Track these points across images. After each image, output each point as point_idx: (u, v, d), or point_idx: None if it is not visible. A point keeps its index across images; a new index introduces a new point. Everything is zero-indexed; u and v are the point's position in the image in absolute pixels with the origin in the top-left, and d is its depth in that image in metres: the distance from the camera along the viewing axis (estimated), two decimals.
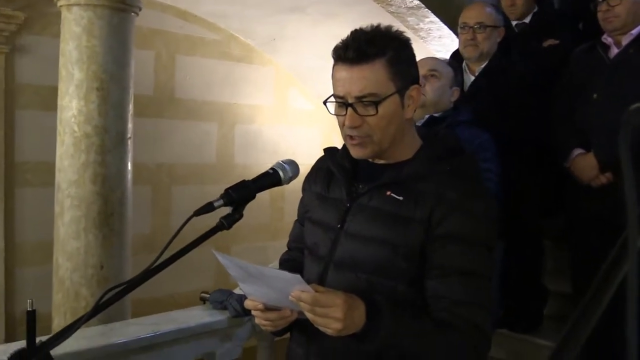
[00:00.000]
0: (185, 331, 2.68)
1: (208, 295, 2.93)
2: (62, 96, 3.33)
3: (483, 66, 2.88)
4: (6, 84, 4.65)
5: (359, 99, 1.35)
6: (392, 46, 1.36)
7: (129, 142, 3.40)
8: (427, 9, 4.27)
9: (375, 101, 1.34)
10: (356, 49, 1.34)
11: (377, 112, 1.35)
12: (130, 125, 3.41)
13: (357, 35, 1.36)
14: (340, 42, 1.38)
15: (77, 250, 3.28)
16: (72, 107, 3.26)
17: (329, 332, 1.23)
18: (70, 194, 3.27)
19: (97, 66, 3.24)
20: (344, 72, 1.36)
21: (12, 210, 4.74)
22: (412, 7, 4.32)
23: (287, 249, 1.76)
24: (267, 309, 1.34)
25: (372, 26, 1.39)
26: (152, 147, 5.31)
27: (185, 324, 2.70)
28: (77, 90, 3.24)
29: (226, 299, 2.83)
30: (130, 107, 3.42)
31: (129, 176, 3.43)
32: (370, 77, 1.34)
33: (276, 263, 1.77)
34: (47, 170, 4.41)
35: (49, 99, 4.47)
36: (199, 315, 2.82)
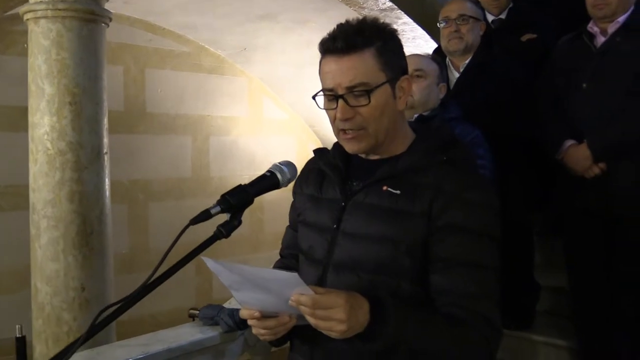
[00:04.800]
0: (176, 350, 2.58)
1: (197, 312, 2.84)
2: (32, 113, 3.19)
3: (467, 62, 2.86)
4: None
5: (350, 89, 1.31)
6: (380, 36, 1.34)
7: (106, 157, 3.28)
8: (400, 10, 4.27)
9: (367, 90, 1.31)
10: (344, 40, 1.31)
11: (369, 101, 1.31)
12: (105, 140, 3.29)
13: (345, 27, 1.34)
14: (327, 35, 1.35)
15: (57, 273, 3.13)
16: (44, 124, 3.12)
17: (333, 335, 1.17)
18: (47, 214, 3.13)
19: (69, 80, 3.11)
20: (333, 63, 1.33)
21: None
22: (384, 9, 4.30)
23: (279, 256, 1.69)
24: (264, 316, 1.26)
25: (358, 18, 1.36)
26: (125, 163, 5.18)
27: (176, 343, 2.60)
28: (48, 105, 3.11)
29: (217, 314, 2.74)
30: (105, 121, 3.31)
31: (107, 193, 3.30)
32: (360, 66, 1.31)
33: None
34: (17, 193, 4.31)
35: (15, 120, 4.37)
36: (189, 333, 2.72)
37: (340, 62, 1.32)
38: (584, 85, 2.65)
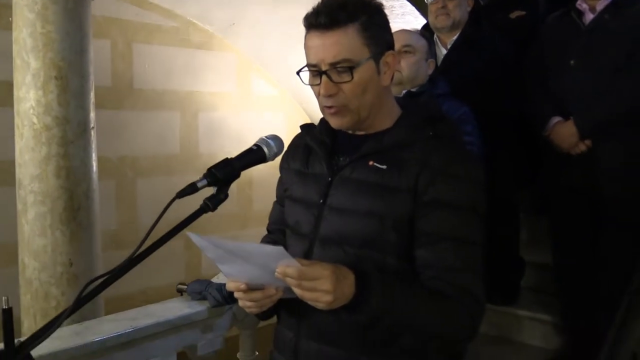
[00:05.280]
0: (164, 324, 2.58)
1: (185, 287, 2.84)
2: (18, 87, 3.15)
3: (455, 38, 2.85)
4: None
5: (333, 65, 1.31)
6: (364, 11, 1.32)
7: (92, 132, 3.25)
8: None
9: (350, 67, 1.30)
10: (328, 15, 1.30)
11: (352, 77, 1.30)
12: (92, 115, 3.26)
13: (329, 2, 1.32)
14: (312, 10, 1.33)
15: (44, 248, 3.12)
16: (30, 98, 3.08)
17: (319, 306, 1.17)
18: (33, 189, 3.10)
19: (54, 54, 3.07)
20: (317, 39, 1.32)
21: None
22: None
23: (266, 232, 1.69)
24: (250, 289, 1.27)
25: None
26: (113, 139, 5.15)
27: (164, 317, 2.60)
28: (34, 80, 3.07)
29: (205, 289, 2.74)
30: (92, 95, 3.27)
31: (94, 168, 3.28)
32: (343, 42, 1.30)
33: None
34: (3, 169, 4.26)
35: (0, 95, 4.29)
36: (177, 308, 2.72)
37: (324, 38, 1.30)
38: (572, 62, 2.65)
